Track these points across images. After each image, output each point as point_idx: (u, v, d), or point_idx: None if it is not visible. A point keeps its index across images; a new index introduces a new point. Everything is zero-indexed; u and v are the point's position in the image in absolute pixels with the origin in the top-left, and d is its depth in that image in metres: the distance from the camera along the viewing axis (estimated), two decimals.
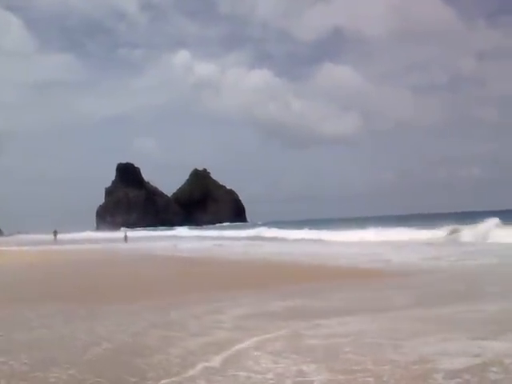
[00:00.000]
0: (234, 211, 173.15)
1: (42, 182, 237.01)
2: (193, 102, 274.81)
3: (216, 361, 4.48)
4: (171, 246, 30.97)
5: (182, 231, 71.29)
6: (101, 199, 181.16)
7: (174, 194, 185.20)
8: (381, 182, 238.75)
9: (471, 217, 43.13)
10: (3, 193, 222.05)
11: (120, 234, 60.23)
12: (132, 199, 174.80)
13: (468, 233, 25.40)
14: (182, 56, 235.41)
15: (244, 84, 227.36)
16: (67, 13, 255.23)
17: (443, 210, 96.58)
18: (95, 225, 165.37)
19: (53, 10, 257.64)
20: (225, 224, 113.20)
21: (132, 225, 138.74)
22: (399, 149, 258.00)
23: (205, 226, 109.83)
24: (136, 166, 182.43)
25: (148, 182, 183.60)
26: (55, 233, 57.39)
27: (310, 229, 40.04)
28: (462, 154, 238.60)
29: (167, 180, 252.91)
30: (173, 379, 4.04)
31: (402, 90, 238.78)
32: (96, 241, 47.29)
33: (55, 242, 48.86)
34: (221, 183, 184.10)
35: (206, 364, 4.39)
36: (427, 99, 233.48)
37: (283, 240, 34.61)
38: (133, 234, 61.32)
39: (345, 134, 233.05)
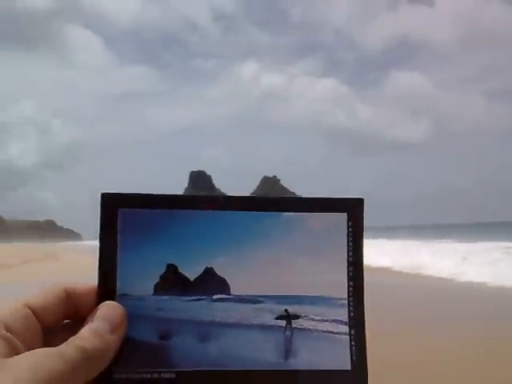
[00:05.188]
0: None
1: (118, 191, 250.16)
2: (262, 110, 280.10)
3: None
4: None
5: None
6: None
7: None
8: (453, 187, 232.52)
9: None
10: (82, 201, 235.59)
11: None
12: None
13: None
14: (252, 66, 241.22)
15: (312, 92, 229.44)
16: (143, 27, 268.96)
17: None
18: None
19: (129, 25, 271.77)
20: None
21: None
22: (472, 154, 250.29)
23: None
24: (207, 173, 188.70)
25: (219, 189, 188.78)
26: None
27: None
28: None
29: (237, 187, 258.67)
30: None
31: (473, 94, 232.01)
32: None
33: None
34: (290, 190, 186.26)
35: None
36: (501, 104, 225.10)
37: None
38: None
39: (415, 140, 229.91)
